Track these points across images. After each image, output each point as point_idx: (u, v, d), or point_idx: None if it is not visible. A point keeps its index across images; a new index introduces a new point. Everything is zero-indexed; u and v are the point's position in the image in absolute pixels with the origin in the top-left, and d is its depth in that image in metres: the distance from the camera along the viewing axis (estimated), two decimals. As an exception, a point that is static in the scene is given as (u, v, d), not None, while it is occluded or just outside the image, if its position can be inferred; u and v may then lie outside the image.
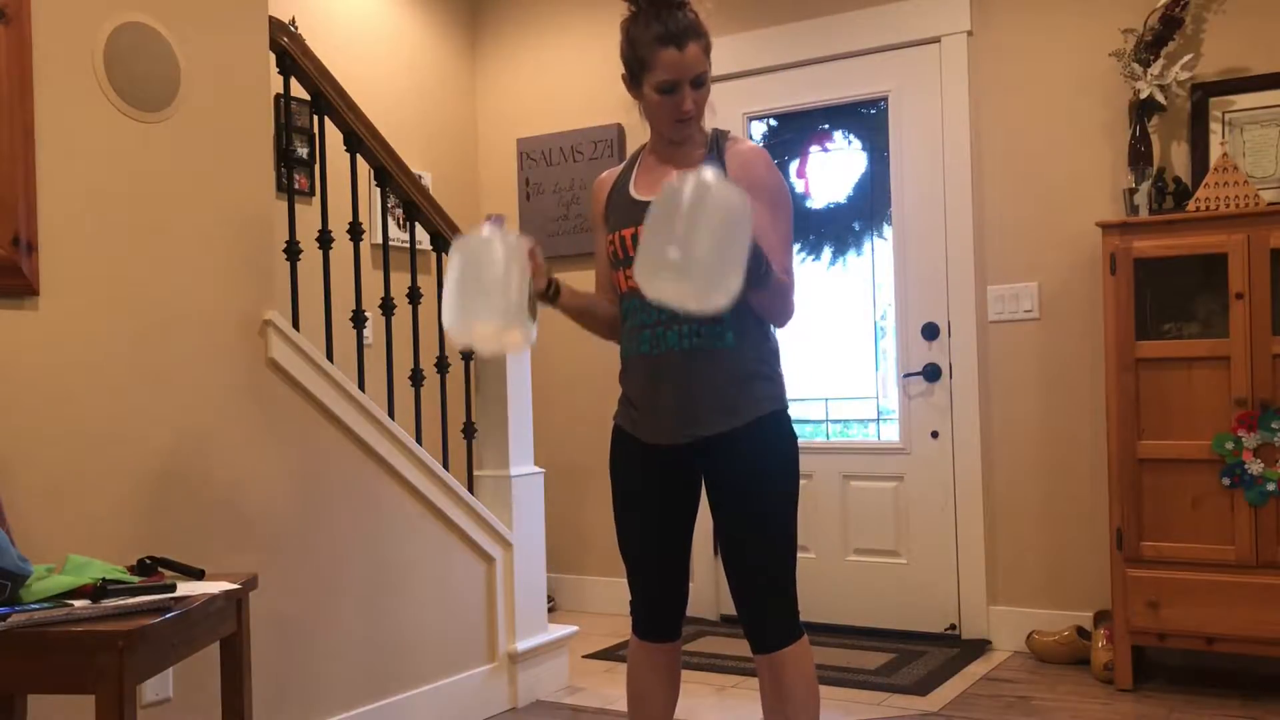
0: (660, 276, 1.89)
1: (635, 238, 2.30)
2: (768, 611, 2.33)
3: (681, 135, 2.37)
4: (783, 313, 2.32)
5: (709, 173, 1.92)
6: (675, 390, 2.31)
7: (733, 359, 2.32)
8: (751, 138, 4.81)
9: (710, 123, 2.46)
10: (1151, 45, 3.88)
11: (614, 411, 2.50)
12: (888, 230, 4.58)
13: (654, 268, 1.89)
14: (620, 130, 5.08)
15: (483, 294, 2.08)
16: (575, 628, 4.05)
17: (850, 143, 4.72)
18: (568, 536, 5.15)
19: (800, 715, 2.32)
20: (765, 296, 2.20)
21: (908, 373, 4.47)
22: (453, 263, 2.15)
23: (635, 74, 2.35)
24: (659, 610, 2.48)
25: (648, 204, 2.33)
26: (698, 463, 2.38)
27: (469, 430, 3.82)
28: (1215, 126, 3.88)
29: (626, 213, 2.38)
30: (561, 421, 5.16)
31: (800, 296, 4.63)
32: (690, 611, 4.76)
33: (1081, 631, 4.04)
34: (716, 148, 2.39)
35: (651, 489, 2.43)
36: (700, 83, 2.32)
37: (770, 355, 2.38)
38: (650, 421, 2.36)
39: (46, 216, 2.49)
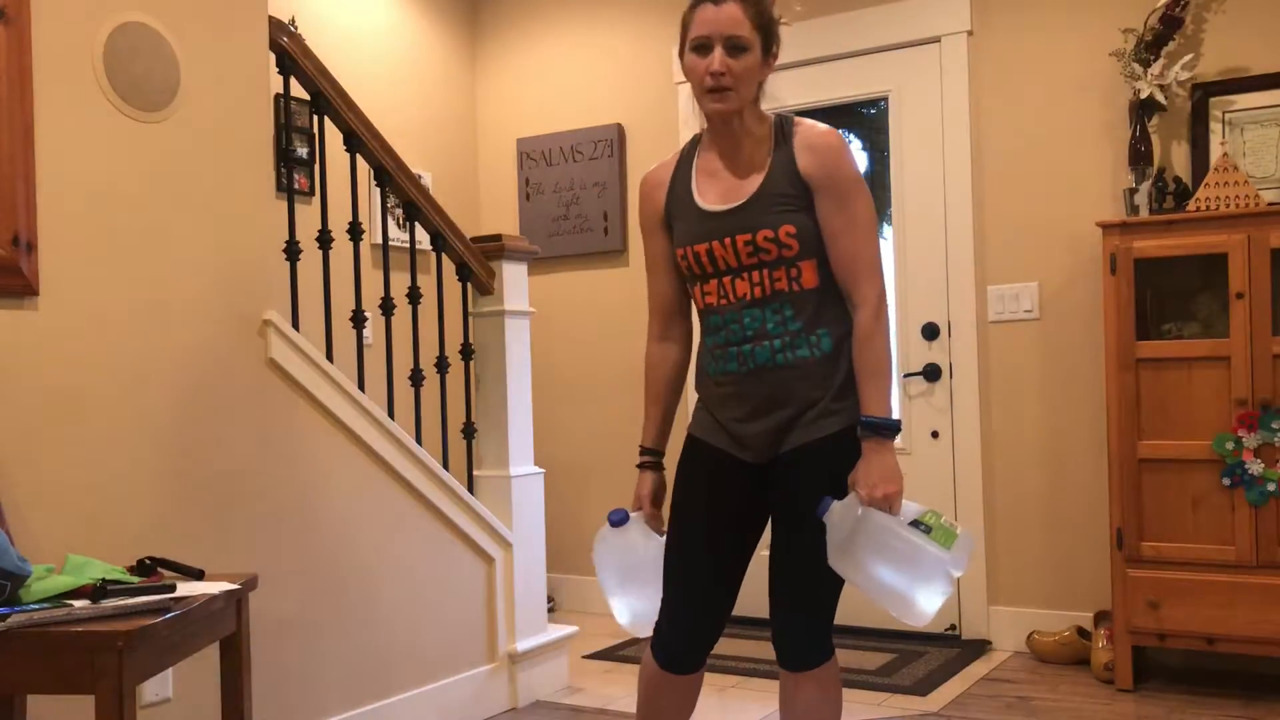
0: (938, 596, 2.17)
1: (710, 253, 2.17)
2: (820, 626, 2.21)
3: (714, 108, 2.14)
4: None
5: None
6: (769, 406, 2.19)
7: (826, 367, 2.18)
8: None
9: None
10: (1152, 45, 3.88)
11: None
12: (888, 230, 4.58)
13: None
14: (620, 130, 5.07)
15: (632, 584, 2.40)
16: (575, 628, 4.05)
17: (850, 143, 4.72)
18: (568, 536, 5.14)
19: None
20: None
21: (908, 373, 4.47)
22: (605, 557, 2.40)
23: (681, 48, 2.19)
24: (697, 638, 2.27)
25: (720, 214, 2.18)
26: (782, 472, 2.23)
27: (469, 430, 3.82)
28: (1215, 126, 3.88)
29: (698, 226, 2.20)
30: (561, 421, 5.15)
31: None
32: (690, 611, 4.82)
33: (1082, 631, 4.04)
34: (782, 137, 2.18)
35: (735, 501, 2.27)
36: (737, 48, 2.11)
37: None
38: (743, 442, 2.23)
39: (46, 216, 2.49)
